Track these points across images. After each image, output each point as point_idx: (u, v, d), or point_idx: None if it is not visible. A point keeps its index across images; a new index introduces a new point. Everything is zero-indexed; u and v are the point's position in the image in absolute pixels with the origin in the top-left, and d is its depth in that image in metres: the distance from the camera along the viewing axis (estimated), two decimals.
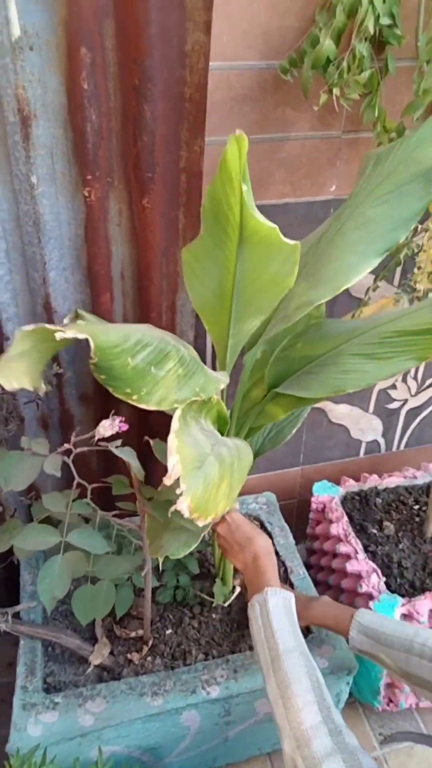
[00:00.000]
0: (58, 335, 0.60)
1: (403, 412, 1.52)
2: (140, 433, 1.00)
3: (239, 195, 0.66)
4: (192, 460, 0.68)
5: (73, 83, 0.85)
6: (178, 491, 0.64)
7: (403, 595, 1.13)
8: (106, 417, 1.17)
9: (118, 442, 0.73)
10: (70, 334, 0.60)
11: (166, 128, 0.89)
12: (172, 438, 0.66)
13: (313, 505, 1.37)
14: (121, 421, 0.64)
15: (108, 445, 0.71)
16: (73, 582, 0.83)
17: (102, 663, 1.03)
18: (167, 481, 0.64)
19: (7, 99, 0.85)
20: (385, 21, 0.93)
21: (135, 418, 1.16)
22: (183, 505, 0.64)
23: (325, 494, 1.36)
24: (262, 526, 1.33)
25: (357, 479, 1.45)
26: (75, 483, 0.78)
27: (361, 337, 0.88)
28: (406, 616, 1.11)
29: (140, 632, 1.08)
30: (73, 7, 0.80)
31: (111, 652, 1.06)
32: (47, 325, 0.61)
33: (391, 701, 1.21)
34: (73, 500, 0.81)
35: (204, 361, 1.24)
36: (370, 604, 1.11)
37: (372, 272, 1.21)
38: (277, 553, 1.25)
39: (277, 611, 0.84)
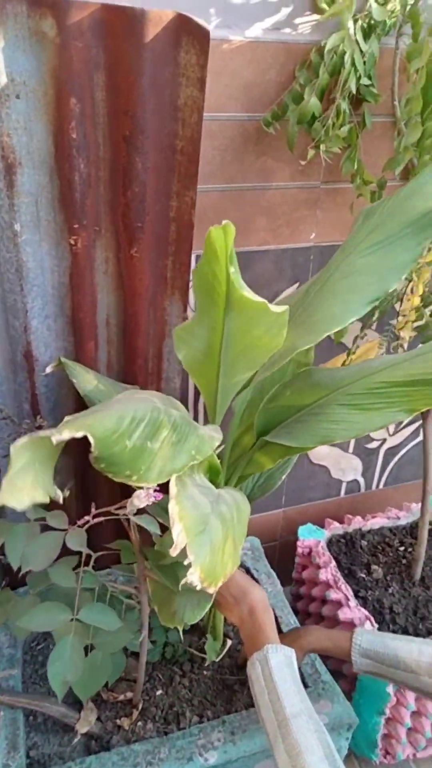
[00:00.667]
0: (55, 439, 0.56)
1: (381, 452, 1.53)
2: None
3: (224, 268, 0.66)
4: (195, 524, 0.65)
5: (61, 132, 0.84)
6: (186, 562, 0.61)
7: None
8: (85, 464, 1.14)
9: (128, 509, 0.68)
10: (66, 435, 0.56)
11: (156, 179, 0.89)
12: (172, 505, 0.63)
13: (299, 549, 1.35)
14: (155, 491, 0.61)
15: (128, 514, 0.67)
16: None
17: (89, 730, 0.97)
18: (173, 552, 0.61)
19: None
20: (365, 81, 0.97)
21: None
22: (194, 577, 0.60)
23: (311, 538, 1.34)
24: (248, 573, 1.29)
25: (339, 520, 1.44)
26: (84, 554, 0.73)
27: (350, 387, 0.88)
28: None
29: (129, 695, 1.03)
30: (63, 57, 0.80)
31: (98, 718, 1.00)
32: (40, 433, 0.57)
33: (388, 753, 1.18)
34: (76, 569, 0.76)
35: (186, 405, 1.22)
36: None
37: (360, 320, 1.23)
38: None
39: (280, 671, 0.81)
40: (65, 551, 0.76)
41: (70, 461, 1.13)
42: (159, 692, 1.05)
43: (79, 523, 0.71)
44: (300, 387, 0.93)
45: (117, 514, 0.68)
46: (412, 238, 0.82)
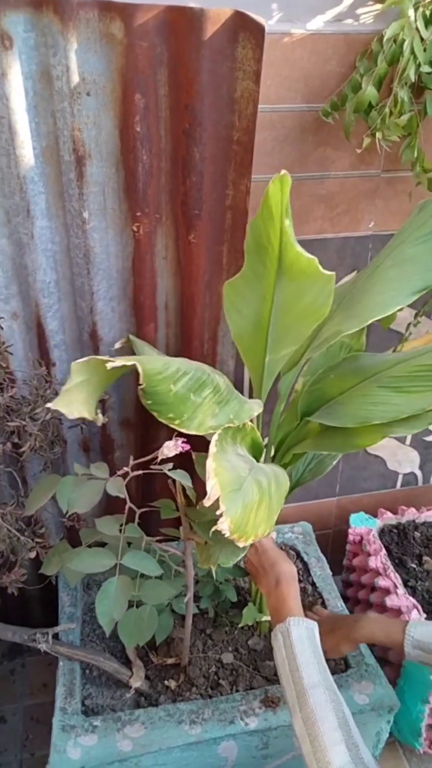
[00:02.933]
0: (109, 365, 0.64)
1: None
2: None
3: (279, 229, 0.70)
4: (230, 482, 0.71)
5: (126, 126, 0.91)
6: (217, 512, 0.67)
7: None
8: (146, 443, 1.21)
9: (170, 465, 0.75)
10: (119, 363, 0.65)
11: (213, 169, 0.94)
12: (210, 461, 0.69)
13: (350, 537, 1.36)
14: (183, 442, 0.67)
15: (163, 468, 0.73)
16: None
17: (139, 688, 1.03)
18: (206, 502, 0.67)
19: (64, 140, 0.91)
20: (425, 69, 0.97)
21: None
22: (224, 525, 0.66)
23: (363, 526, 1.35)
24: (299, 557, 1.32)
25: (393, 511, 1.44)
26: (126, 507, 0.80)
27: (391, 370, 0.90)
28: None
29: (176, 659, 1.09)
30: (129, 56, 0.86)
31: (147, 677, 1.06)
32: (98, 357, 0.66)
33: None
34: (123, 524, 0.83)
35: (242, 389, 1.27)
36: None
37: (413, 308, 1.23)
38: (314, 584, 1.25)
39: (300, 643, 0.83)
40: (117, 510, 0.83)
41: (130, 435, 1.20)
42: (205, 659, 1.10)
43: (119, 473, 0.78)
44: (344, 370, 0.95)
45: (153, 469, 0.74)
46: None
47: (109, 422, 1.16)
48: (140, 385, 0.68)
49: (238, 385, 1.23)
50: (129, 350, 1.08)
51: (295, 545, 1.34)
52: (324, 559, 1.31)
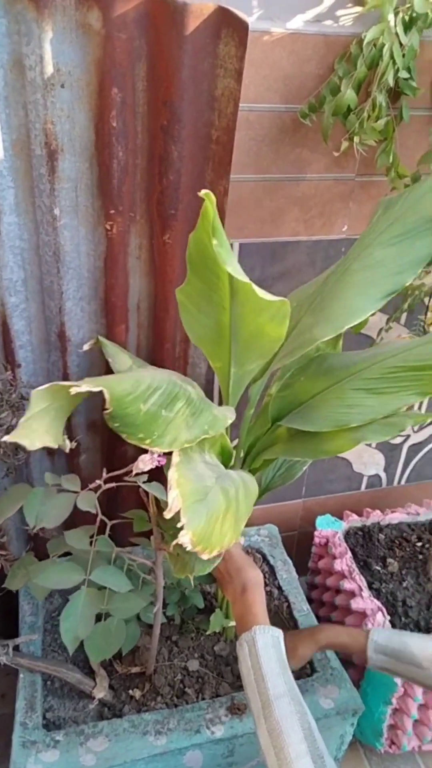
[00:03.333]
0: (73, 390, 0.61)
1: (405, 448, 1.53)
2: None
3: (224, 246, 0.67)
4: (193, 493, 0.68)
5: (102, 121, 0.87)
6: (179, 525, 0.64)
7: None
8: (113, 446, 1.18)
9: (144, 477, 0.72)
10: (84, 388, 0.61)
11: (191, 167, 0.91)
12: (172, 472, 0.67)
13: (316, 539, 1.37)
14: (159, 456, 0.65)
15: (137, 481, 0.71)
16: None
17: (102, 699, 1.01)
18: (167, 514, 0.64)
19: (35, 133, 0.87)
20: (403, 74, 0.97)
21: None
22: (185, 539, 0.64)
23: (329, 528, 1.35)
24: (265, 560, 1.32)
25: (359, 513, 1.45)
26: (98, 519, 0.77)
27: (363, 372, 0.89)
28: None
29: (141, 668, 1.07)
30: (107, 48, 0.82)
31: (111, 687, 1.04)
32: (61, 383, 0.62)
33: (393, 743, 1.19)
34: (94, 536, 0.80)
35: (212, 395, 1.25)
36: None
37: (384, 312, 1.24)
38: (280, 587, 1.25)
39: (266, 652, 0.82)
40: (88, 521, 0.80)
41: (97, 438, 1.17)
42: (171, 667, 1.08)
43: (91, 486, 0.75)
44: (314, 372, 0.94)
45: (127, 481, 0.71)
46: (430, 234, 0.83)
47: (75, 425, 1.13)
48: (106, 410, 0.64)
49: (209, 387, 1.21)
50: (98, 352, 1.05)
51: (261, 548, 1.34)
52: (290, 562, 1.31)
